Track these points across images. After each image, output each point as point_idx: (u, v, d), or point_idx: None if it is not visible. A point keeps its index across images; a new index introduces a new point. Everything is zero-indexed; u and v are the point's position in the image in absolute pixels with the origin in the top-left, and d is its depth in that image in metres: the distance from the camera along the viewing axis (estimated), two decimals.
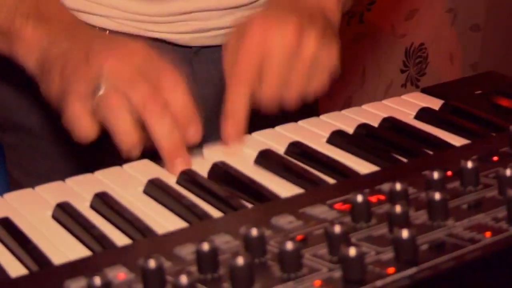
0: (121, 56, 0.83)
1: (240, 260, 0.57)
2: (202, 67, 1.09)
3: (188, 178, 0.79)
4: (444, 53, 2.52)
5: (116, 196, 0.76)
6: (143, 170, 0.81)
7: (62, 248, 0.68)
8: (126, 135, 0.80)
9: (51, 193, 0.77)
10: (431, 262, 0.59)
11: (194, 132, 0.82)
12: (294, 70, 0.85)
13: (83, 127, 0.81)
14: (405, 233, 0.59)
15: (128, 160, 0.81)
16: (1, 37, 0.92)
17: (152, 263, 0.57)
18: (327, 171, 0.81)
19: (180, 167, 0.80)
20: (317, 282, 0.57)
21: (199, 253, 0.59)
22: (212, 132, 0.86)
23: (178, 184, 0.79)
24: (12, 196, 0.77)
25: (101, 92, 0.80)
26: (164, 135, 0.80)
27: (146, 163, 0.83)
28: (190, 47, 1.07)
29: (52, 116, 0.89)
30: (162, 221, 0.72)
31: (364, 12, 2.31)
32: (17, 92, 1.09)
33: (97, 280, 0.56)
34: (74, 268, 0.62)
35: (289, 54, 0.84)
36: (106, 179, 0.80)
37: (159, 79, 0.82)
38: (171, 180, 0.80)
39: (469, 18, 2.54)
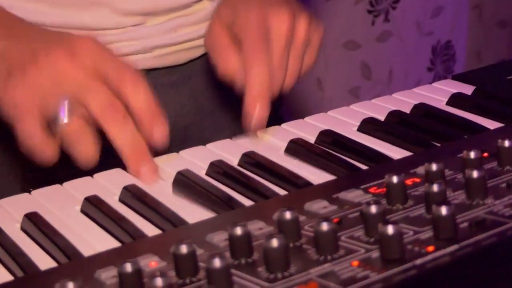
0: (72, 55, 0.77)
1: (274, 242, 0.55)
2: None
3: (218, 169, 0.78)
4: (471, 50, 2.49)
5: (145, 188, 0.75)
6: (172, 164, 0.80)
7: (92, 241, 0.67)
8: (89, 159, 0.76)
9: (79, 188, 0.76)
10: (471, 240, 0.57)
11: (160, 132, 0.77)
12: (292, 51, 0.86)
13: (42, 150, 0.75)
14: (444, 210, 0.57)
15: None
16: None
17: (184, 249, 0.55)
18: (360, 158, 0.79)
19: (146, 176, 0.77)
20: (355, 263, 0.56)
21: (231, 238, 0.57)
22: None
23: (208, 175, 0.78)
24: (40, 192, 0.76)
25: (62, 114, 0.75)
26: (126, 142, 0.76)
27: (176, 156, 0.82)
28: None
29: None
30: (193, 212, 0.71)
31: (389, 11, 2.29)
32: None
33: (128, 267, 0.54)
34: (105, 259, 0.60)
35: (287, 38, 0.85)
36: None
37: (117, 79, 0.77)
38: (202, 171, 0.78)
39: (496, 14, 2.51)
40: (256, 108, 0.82)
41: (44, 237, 0.67)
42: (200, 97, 1.08)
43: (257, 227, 0.62)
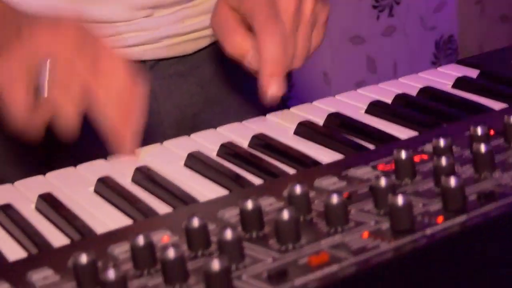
0: (55, 32, 0.78)
1: (285, 215, 0.55)
2: (161, 83, 1.05)
3: (229, 150, 0.78)
4: (473, 44, 2.49)
5: (157, 169, 0.75)
6: (183, 147, 0.80)
7: (106, 219, 0.67)
8: (70, 126, 0.76)
9: (92, 170, 0.76)
10: (480, 210, 0.57)
11: (138, 115, 0.78)
12: (300, 29, 0.86)
13: (28, 119, 0.76)
14: (453, 181, 0.57)
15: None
16: None
17: (195, 222, 0.56)
18: (368, 138, 0.79)
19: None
20: (365, 234, 0.56)
21: (242, 212, 0.58)
22: None
23: (218, 156, 0.78)
24: (53, 175, 0.77)
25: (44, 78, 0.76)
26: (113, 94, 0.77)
27: (187, 139, 0.82)
28: (144, 61, 1.02)
29: None
30: (204, 190, 0.71)
31: (393, 6, 2.29)
32: None
33: (140, 241, 0.54)
34: (118, 235, 0.61)
35: (295, 15, 0.85)
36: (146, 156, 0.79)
37: (97, 60, 0.78)
38: (213, 153, 0.78)
39: (497, 8, 2.51)
40: (272, 85, 0.81)
41: (58, 216, 0.68)
42: (208, 86, 1.08)
43: (267, 203, 0.62)
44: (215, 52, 1.05)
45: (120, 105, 0.77)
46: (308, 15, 0.86)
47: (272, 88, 0.80)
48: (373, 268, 0.52)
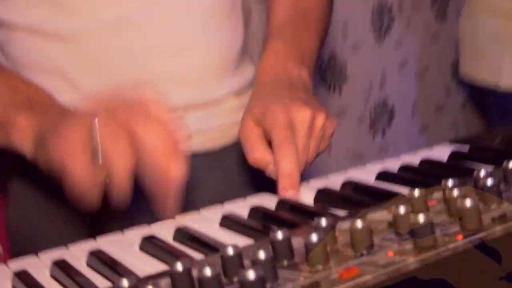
0: (100, 100, 0.86)
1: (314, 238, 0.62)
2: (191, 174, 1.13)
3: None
4: None
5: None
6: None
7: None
8: (125, 165, 0.79)
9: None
10: None
11: (178, 168, 0.81)
12: (312, 138, 0.98)
13: (89, 183, 0.80)
14: None
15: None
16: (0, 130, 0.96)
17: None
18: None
19: (176, 169, 0.81)
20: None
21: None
22: None
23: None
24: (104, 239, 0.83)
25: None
26: (157, 141, 0.80)
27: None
28: None
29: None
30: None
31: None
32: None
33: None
34: None
35: (309, 130, 0.98)
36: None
37: (139, 112, 0.82)
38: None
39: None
40: (287, 189, 0.92)
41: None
42: (232, 177, 1.19)
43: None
44: (238, 148, 1.12)
45: (165, 151, 0.81)
46: (319, 129, 0.99)
47: (288, 195, 0.92)
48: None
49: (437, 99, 2.63)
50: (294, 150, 0.94)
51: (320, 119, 0.99)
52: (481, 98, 1.88)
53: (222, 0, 1.16)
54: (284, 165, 0.93)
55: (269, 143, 0.97)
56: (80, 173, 0.80)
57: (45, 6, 1.07)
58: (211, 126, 1.17)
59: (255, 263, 0.59)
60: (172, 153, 0.81)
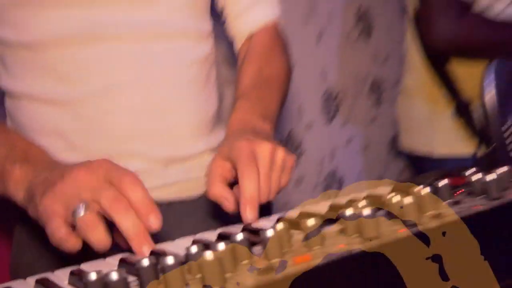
0: (89, 170, 0.90)
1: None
2: (172, 222, 1.23)
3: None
4: None
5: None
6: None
7: None
8: (101, 244, 0.87)
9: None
10: None
11: (155, 219, 0.87)
12: (273, 169, 1.04)
13: (66, 241, 0.87)
14: None
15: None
16: None
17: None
18: None
19: (146, 251, 0.86)
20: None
21: None
22: None
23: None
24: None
25: (79, 210, 0.87)
26: (129, 227, 0.86)
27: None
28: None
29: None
30: None
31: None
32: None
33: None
34: None
35: (270, 162, 1.03)
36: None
37: (120, 182, 0.88)
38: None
39: None
40: (247, 210, 0.97)
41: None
42: (209, 222, 1.28)
43: None
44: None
45: (140, 214, 0.87)
46: (280, 161, 1.05)
47: (248, 216, 0.97)
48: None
49: (378, 170, 2.89)
50: (256, 176, 0.98)
51: (281, 152, 1.04)
52: (418, 165, 2.07)
53: (198, 74, 1.26)
54: (245, 188, 0.97)
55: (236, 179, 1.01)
56: (59, 237, 0.88)
57: (47, 77, 1.16)
58: (190, 177, 1.25)
59: None
60: (143, 238, 0.87)
